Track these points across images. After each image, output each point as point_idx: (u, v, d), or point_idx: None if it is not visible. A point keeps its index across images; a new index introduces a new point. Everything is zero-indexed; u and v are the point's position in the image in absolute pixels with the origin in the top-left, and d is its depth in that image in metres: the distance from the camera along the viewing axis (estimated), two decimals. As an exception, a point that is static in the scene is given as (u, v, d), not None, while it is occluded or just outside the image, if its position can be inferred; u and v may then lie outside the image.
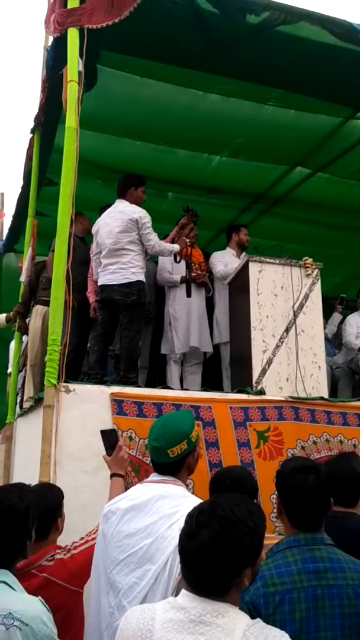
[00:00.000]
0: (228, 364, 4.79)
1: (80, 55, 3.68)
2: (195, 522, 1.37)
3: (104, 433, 2.38)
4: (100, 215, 4.38)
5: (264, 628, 1.33)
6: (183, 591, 1.37)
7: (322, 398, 3.88)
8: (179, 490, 1.85)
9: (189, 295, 4.32)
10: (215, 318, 5.05)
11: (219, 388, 4.60)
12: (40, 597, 1.61)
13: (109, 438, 2.36)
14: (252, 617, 1.61)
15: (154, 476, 1.95)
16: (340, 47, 4.12)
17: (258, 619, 1.37)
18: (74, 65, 3.66)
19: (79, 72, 3.68)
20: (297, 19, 3.94)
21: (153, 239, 4.04)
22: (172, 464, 1.93)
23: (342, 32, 4.06)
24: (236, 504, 1.40)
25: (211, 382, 4.71)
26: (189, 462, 1.95)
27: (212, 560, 1.32)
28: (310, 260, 4.43)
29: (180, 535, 1.38)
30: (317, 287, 4.41)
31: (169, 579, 1.63)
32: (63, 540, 2.30)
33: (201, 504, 1.45)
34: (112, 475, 2.31)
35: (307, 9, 4.00)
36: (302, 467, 1.88)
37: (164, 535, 1.67)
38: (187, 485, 3.00)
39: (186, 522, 1.39)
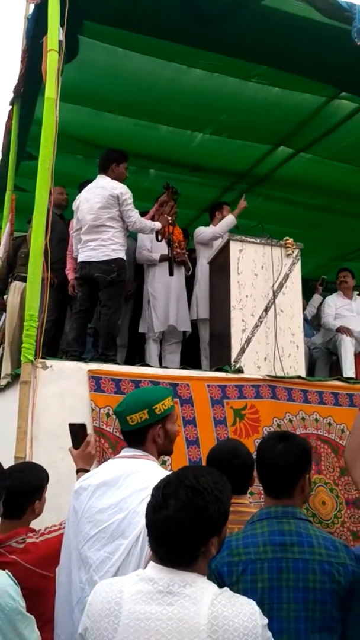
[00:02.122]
0: (207, 343, 4.80)
1: (62, 24, 3.58)
2: (161, 494, 1.38)
3: (72, 426, 2.32)
4: (79, 192, 4.31)
5: (231, 597, 1.36)
6: (151, 563, 1.39)
7: (299, 377, 3.92)
8: (151, 465, 1.85)
9: (171, 273, 4.30)
10: (195, 294, 5.04)
11: (198, 367, 4.62)
12: (7, 571, 1.60)
13: (78, 432, 2.30)
14: (218, 584, 1.65)
15: (125, 451, 1.95)
16: (326, 23, 4.09)
17: (226, 588, 1.39)
18: (55, 34, 3.57)
19: (60, 42, 3.59)
20: (283, -8, 3.89)
21: (134, 215, 4.00)
22: (132, 433, 1.92)
23: (327, 9, 4.02)
24: (202, 474, 1.42)
25: (190, 361, 4.73)
26: (153, 435, 1.93)
27: (179, 530, 1.33)
28: (291, 241, 4.44)
29: (147, 508, 1.39)
30: (297, 268, 4.43)
31: (141, 553, 1.65)
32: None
33: (167, 475, 1.46)
34: (78, 471, 2.26)
35: (293, -17, 3.95)
36: (275, 435, 1.90)
37: (135, 510, 1.68)
38: (164, 462, 3.05)
39: (152, 494, 1.40)
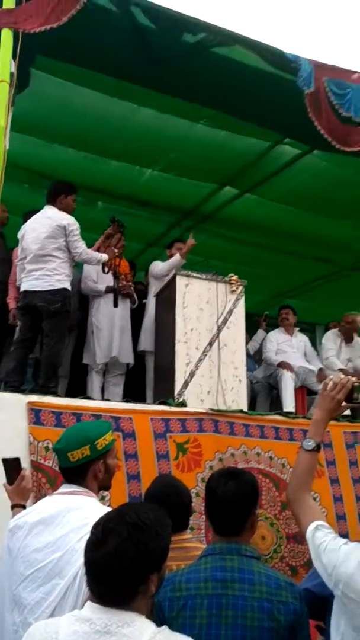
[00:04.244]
0: (152, 374, 4.79)
1: (14, 57, 3.61)
2: (102, 530, 1.35)
3: (5, 461, 2.24)
4: (24, 221, 4.27)
5: (169, 635, 1.33)
6: (88, 602, 1.35)
7: (241, 411, 3.96)
8: (90, 502, 1.81)
9: (115, 305, 4.30)
10: (144, 325, 5.04)
11: (142, 399, 4.59)
12: None
13: (11, 467, 2.23)
14: (159, 618, 1.63)
15: (64, 487, 1.89)
16: (273, 73, 4.32)
17: (164, 627, 1.37)
18: (6, 65, 3.60)
19: (11, 74, 3.62)
20: (232, 42, 4.10)
21: (80, 246, 3.99)
22: (73, 470, 1.88)
23: (275, 60, 4.25)
24: (144, 511, 1.41)
25: (134, 393, 4.69)
26: (94, 471, 1.89)
27: (118, 567, 1.30)
28: (235, 277, 4.55)
29: (86, 546, 1.36)
30: (241, 303, 4.53)
31: (78, 592, 1.59)
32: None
33: (108, 512, 1.44)
34: (13, 507, 2.18)
35: (242, 34, 4.16)
36: (225, 473, 1.90)
37: (74, 548, 1.63)
38: (102, 497, 2.98)
39: (92, 531, 1.37)
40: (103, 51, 4.03)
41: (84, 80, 4.42)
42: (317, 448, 1.82)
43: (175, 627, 1.60)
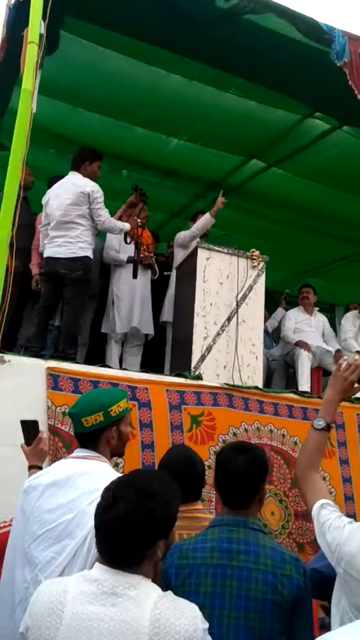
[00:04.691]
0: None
1: (44, 17, 3.55)
2: (112, 495, 1.38)
3: (24, 423, 2.30)
4: (48, 186, 4.26)
5: (174, 600, 1.37)
6: (97, 564, 1.39)
7: (256, 387, 3.96)
8: (102, 467, 1.85)
9: (135, 276, 4.29)
10: (167, 295, 5.03)
11: (160, 370, 4.62)
12: None
13: (29, 428, 2.29)
14: (164, 585, 1.66)
15: (77, 452, 1.93)
16: (305, 43, 4.18)
17: (169, 592, 1.40)
18: (36, 27, 3.52)
19: (41, 35, 3.55)
20: (266, 9, 3.97)
21: (104, 214, 3.98)
22: (87, 435, 1.92)
23: (308, 29, 4.11)
24: (154, 478, 1.44)
25: (152, 363, 4.72)
26: (107, 437, 1.93)
27: (126, 531, 1.34)
28: (257, 253, 4.50)
29: (97, 509, 1.39)
30: (262, 280, 4.49)
31: (87, 554, 1.64)
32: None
33: (118, 477, 1.47)
34: (30, 467, 2.25)
35: (276, 1, 4.03)
36: (236, 447, 1.92)
37: (85, 511, 1.67)
38: (116, 464, 3.04)
39: (102, 495, 1.41)
40: (133, 14, 3.93)
41: (114, 44, 4.33)
42: (327, 428, 1.83)
43: (180, 594, 1.63)
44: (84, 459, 1.88)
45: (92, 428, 1.89)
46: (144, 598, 1.33)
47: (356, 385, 1.88)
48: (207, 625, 1.39)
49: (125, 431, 2.02)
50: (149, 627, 1.28)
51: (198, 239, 4.69)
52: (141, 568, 1.38)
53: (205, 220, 4.91)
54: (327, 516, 1.63)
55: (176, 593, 1.66)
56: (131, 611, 1.30)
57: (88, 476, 1.77)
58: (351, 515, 3.71)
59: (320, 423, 1.83)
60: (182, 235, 5.10)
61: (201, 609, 1.59)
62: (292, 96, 4.78)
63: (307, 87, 4.60)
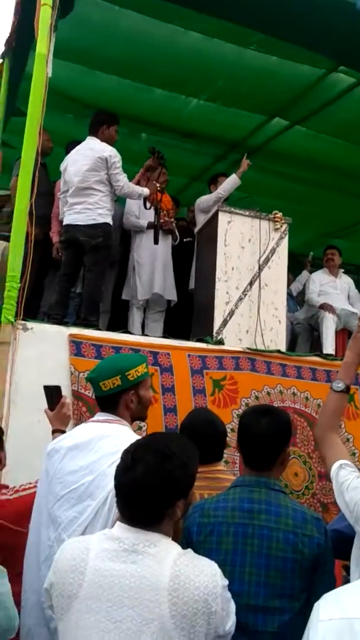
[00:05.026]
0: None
1: (56, -22, 3.46)
2: (131, 457, 1.41)
3: (47, 388, 2.35)
4: (66, 152, 4.23)
5: (194, 558, 1.40)
6: (118, 523, 1.43)
7: (278, 351, 3.95)
8: (123, 430, 1.88)
9: (156, 242, 4.26)
10: (194, 264, 5.00)
11: (186, 336, 4.62)
12: None
13: (53, 393, 2.33)
14: (186, 542, 1.70)
15: (99, 416, 1.97)
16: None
17: (189, 549, 1.44)
18: (49, -13, 3.45)
19: (54, -3, 3.48)
20: None
21: (122, 179, 3.94)
22: (105, 399, 1.95)
23: (332, -22, 3.91)
24: (171, 440, 1.46)
25: (177, 330, 4.73)
26: (126, 401, 1.96)
27: (146, 492, 1.37)
28: (279, 215, 4.41)
29: (117, 471, 1.43)
30: (285, 242, 4.42)
31: (108, 514, 1.69)
32: (13, 477, 2.32)
33: (137, 440, 1.50)
34: (53, 431, 2.30)
35: None
36: (259, 409, 1.93)
37: (105, 473, 1.71)
38: (139, 428, 3.09)
39: (122, 458, 1.44)
40: (148, -31, 3.81)
41: (128, 2, 4.21)
42: (346, 390, 1.82)
43: (202, 551, 1.67)
44: (104, 422, 1.92)
45: (110, 392, 1.92)
46: (164, 555, 1.36)
47: None
48: (226, 582, 1.42)
49: (145, 395, 2.05)
50: (168, 583, 1.32)
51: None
52: (161, 527, 1.42)
53: (231, 181, 4.80)
54: (345, 476, 1.64)
55: (197, 550, 1.70)
56: (151, 568, 1.34)
57: (108, 439, 1.81)
58: (375, 475, 3.72)
59: (339, 385, 1.82)
60: (204, 199, 5.02)
61: (222, 565, 1.63)
62: (314, 50, 4.59)
63: (330, 39, 4.41)
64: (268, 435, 1.80)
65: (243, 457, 1.88)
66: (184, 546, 1.75)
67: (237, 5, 4.10)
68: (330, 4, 4.03)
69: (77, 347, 3.22)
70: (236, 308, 4.17)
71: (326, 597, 0.71)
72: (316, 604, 0.70)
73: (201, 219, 4.92)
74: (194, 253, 5.02)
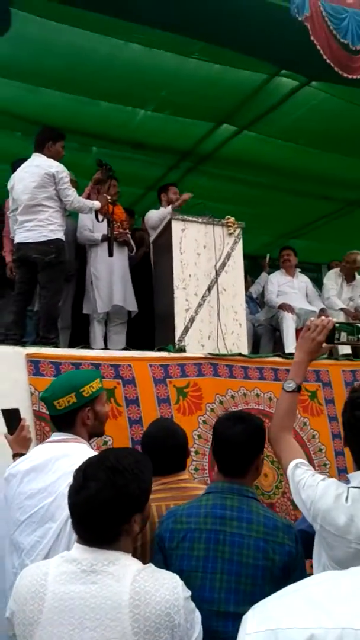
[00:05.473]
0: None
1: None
2: (82, 476, 1.40)
3: (5, 412, 2.31)
4: (12, 170, 4.19)
5: (154, 572, 1.40)
6: (75, 544, 1.41)
7: (239, 354, 3.98)
8: (80, 448, 1.86)
9: (110, 254, 4.24)
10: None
11: (148, 346, 4.61)
12: None
13: (11, 417, 2.30)
14: (159, 549, 1.72)
15: (54, 436, 1.95)
16: (264, 0, 4.07)
17: (150, 564, 1.43)
18: (-18, 5, 3.43)
19: (-12, 14, 3.46)
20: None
21: (71, 194, 3.92)
22: (61, 417, 1.93)
23: (266, -15, 4.00)
24: (123, 455, 1.45)
25: (139, 340, 4.72)
26: (82, 418, 1.94)
27: (100, 509, 1.36)
28: (232, 219, 4.45)
29: (69, 491, 1.41)
30: (239, 246, 4.46)
31: (70, 535, 1.67)
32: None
33: (89, 458, 1.48)
34: (14, 455, 2.26)
35: None
36: (233, 416, 1.94)
37: (64, 493, 1.67)
38: (105, 442, 3.06)
39: (74, 476, 1.42)
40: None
41: (65, 18, 4.21)
42: (297, 389, 1.83)
43: (174, 557, 1.71)
44: (60, 442, 1.90)
45: (65, 410, 1.91)
46: (123, 573, 1.35)
47: (324, 345, 1.87)
48: (189, 593, 1.42)
49: (101, 411, 2.03)
50: (129, 600, 1.31)
51: (171, 211, 4.63)
52: (119, 544, 1.41)
53: (165, 213, 4.76)
54: (301, 475, 1.66)
55: (170, 556, 1.71)
56: (111, 587, 1.33)
57: (65, 459, 1.79)
58: (342, 469, 3.78)
59: (290, 385, 1.83)
60: (151, 218, 5.02)
61: (194, 572, 1.63)
62: (255, 56, 4.68)
63: (270, 45, 4.52)
64: (242, 442, 1.81)
65: (217, 463, 1.88)
66: (157, 553, 1.75)
67: (175, 16, 4.15)
68: (266, 10, 4.12)
69: (35, 366, 3.18)
70: (196, 314, 4.18)
71: (254, 608, 0.71)
72: (244, 616, 0.70)
73: (153, 233, 4.94)
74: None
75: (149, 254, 5.06)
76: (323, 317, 1.85)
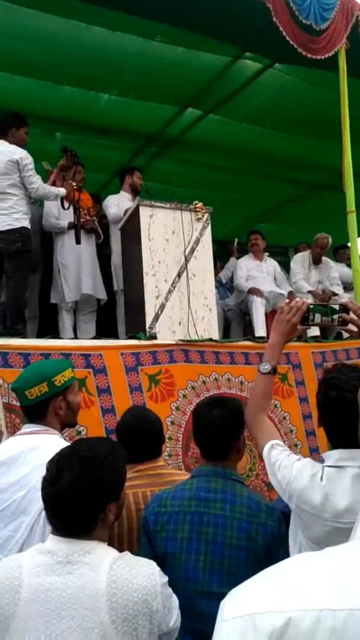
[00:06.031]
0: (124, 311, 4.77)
1: None
2: (56, 467, 1.39)
3: None
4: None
5: (130, 560, 1.40)
6: (50, 535, 1.40)
7: (210, 339, 4.00)
8: (52, 440, 1.84)
9: (78, 242, 4.18)
10: (112, 264, 4.95)
11: (115, 335, 4.60)
12: None
13: None
14: (144, 531, 1.74)
15: (25, 427, 1.92)
16: (226, -19, 4.03)
17: (126, 552, 1.43)
18: None
19: None
20: None
21: (36, 181, 3.84)
22: (32, 407, 1.90)
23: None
24: (96, 444, 1.44)
25: (108, 328, 4.69)
26: (54, 408, 1.92)
27: (74, 499, 1.35)
28: (200, 204, 4.43)
29: (43, 482, 1.40)
30: (208, 231, 4.45)
31: (44, 528, 1.65)
32: None
33: (61, 449, 1.47)
34: None
35: None
36: (211, 401, 1.94)
37: (36, 486, 1.65)
38: (79, 432, 3.05)
39: (47, 468, 1.41)
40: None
41: (28, 1, 4.09)
42: (273, 371, 1.84)
43: (158, 540, 1.73)
44: (31, 434, 1.87)
45: (37, 400, 1.88)
46: (100, 562, 1.35)
47: (299, 327, 1.88)
48: (166, 579, 1.42)
49: (74, 400, 2.01)
50: (106, 589, 1.31)
51: (138, 197, 4.59)
52: (94, 533, 1.40)
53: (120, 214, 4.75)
54: (276, 456, 1.68)
55: (154, 539, 1.73)
56: (87, 576, 1.32)
57: (37, 451, 1.77)
58: (314, 448, 3.85)
59: (266, 367, 1.84)
60: (108, 206, 4.95)
61: (178, 553, 1.65)
62: (218, 38, 4.64)
63: (233, 27, 4.48)
64: (220, 426, 1.82)
65: (199, 448, 1.89)
66: (142, 536, 1.78)
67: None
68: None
69: (3, 358, 3.13)
70: (167, 301, 4.17)
71: (232, 593, 0.71)
72: (221, 603, 0.70)
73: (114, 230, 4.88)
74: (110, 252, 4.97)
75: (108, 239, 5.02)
76: (297, 299, 1.85)
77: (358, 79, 4.88)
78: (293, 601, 0.62)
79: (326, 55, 4.46)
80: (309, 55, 4.42)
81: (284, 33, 4.18)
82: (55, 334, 4.06)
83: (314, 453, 3.77)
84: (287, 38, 4.28)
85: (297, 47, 4.35)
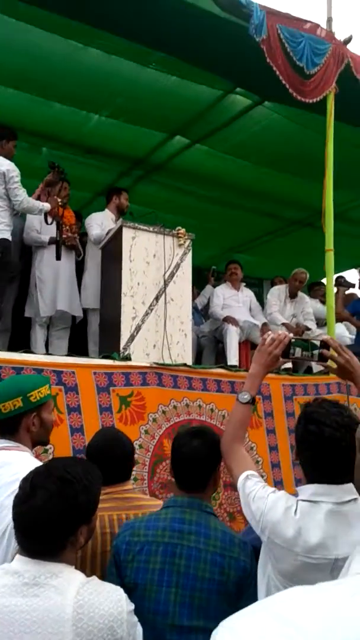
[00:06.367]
0: (95, 330, 4.74)
1: None
2: (30, 485, 1.36)
3: None
4: None
5: (98, 585, 1.37)
6: (17, 556, 1.36)
7: (185, 365, 4.00)
8: (22, 457, 1.80)
9: (58, 258, 4.17)
10: (83, 282, 4.93)
11: (85, 354, 4.56)
12: None
13: None
14: (114, 560, 1.70)
15: (-5, 443, 1.88)
16: (223, 18, 4.16)
17: (93, 577, 1.40)
18: None
19: None
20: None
21: (21, 194, 3.83)
22: (5, 422, 1.86)
23: (226, 3, 4.08)
24: (71, 464, 1.42)
25: (78, 347, 4.65)
26: (27, 424, 1.88)
27: (47, 520, 1.32)
28: (183, 230, 4.48)
29: (15, 500, 1.36)
30: (188, 258, 4.49)
31: (7, 547, 1.60)
32: None
33: (36, 467, 1.44)
34: None
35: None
36: (191, 431, 1.93)
37: (3, 504, 1.62)
38: (45, 451, 2.98)
39: (20, 486, 1.38)
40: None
41: (25, 16, 4.14)
42: (252, 401, 1.85)
43: (129, 570, 1.69)
44: (1, 450, 1.83)
45: (10, 414, 1.84)
46: (67, 586, 1.32)
47: (280, 359, 1.91)
48: (132, 606, 1.40)
49: (48, 418, 1.98)
50: (72, 613, 1.28)
51: (122, 219, 4.61)
52: (63, 556, 1.37)
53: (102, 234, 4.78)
54: (251, 487, 1.67)
55: (125, 568, 1.69)
56: (53, 600, 1.29)
57: (6, 468, 1.72)
58: (278, 481, 3.86)
59: (245, 397, 1.85)
60: (90, 225, 4.96)
61: (149, 585, 1.61)
62: (212, 71, 4.76)
63: (227, 62, 4.60)
64: (199, 457, 1.82)
65: (175, 478, 1.87)
66: (112, 566, 1.74)
67: (135, 24, 4.16)
68: (226, 28, 4.20)
69: (-26, 369, 3.06)
70: (143, 323, 4.17)
71: (224, 624, 0.70)
72: (214, 632, 0.69)
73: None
74: (84, 269, 4.95)
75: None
76: (280, 332, 1.88)
77: (345, 124, 5.05)
78: (287, 636, 0.62)
79: (314, 100, 4.60)
80: (299, 98, 4.56)
81: (278, 73, 4.30)
82: (27, 348, 3.99)
83: (278, 485, 3.77)
84: (281, 78, 4.40)
85: (289, 87, 4.48)
